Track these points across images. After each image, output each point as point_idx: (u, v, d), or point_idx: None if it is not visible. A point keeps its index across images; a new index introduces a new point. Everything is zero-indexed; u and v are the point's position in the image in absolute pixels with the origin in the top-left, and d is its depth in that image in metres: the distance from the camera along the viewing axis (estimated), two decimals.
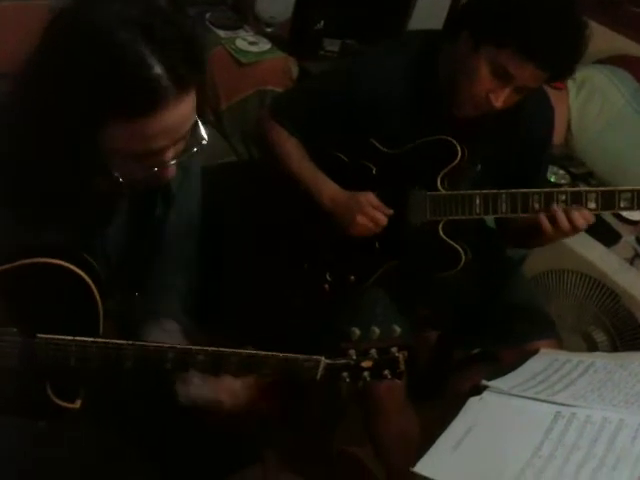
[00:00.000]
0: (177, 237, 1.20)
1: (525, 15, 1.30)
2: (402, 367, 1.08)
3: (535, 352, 1.29)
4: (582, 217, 1.38)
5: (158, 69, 0.82)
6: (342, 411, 1.99)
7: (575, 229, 1.39)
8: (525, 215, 1.42)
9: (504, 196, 1.43)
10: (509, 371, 1.17)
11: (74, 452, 1.11)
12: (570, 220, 1.37)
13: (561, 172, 2.35)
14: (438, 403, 1.97)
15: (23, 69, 0.87)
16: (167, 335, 1.11)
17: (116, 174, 0.92)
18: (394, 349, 1.08)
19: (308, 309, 1.71)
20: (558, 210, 1.38)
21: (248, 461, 1.31)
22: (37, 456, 1.07)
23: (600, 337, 1.91)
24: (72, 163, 0.90)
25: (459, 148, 1.47)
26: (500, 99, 1.36)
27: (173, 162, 0.93)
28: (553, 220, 1.39)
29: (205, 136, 0.96)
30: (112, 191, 1.00)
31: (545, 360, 1.21)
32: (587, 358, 1.18)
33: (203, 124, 0.96)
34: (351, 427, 1.90)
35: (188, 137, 0.94)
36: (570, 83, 2.49)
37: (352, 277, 1.60)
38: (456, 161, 1.47)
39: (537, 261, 1.99)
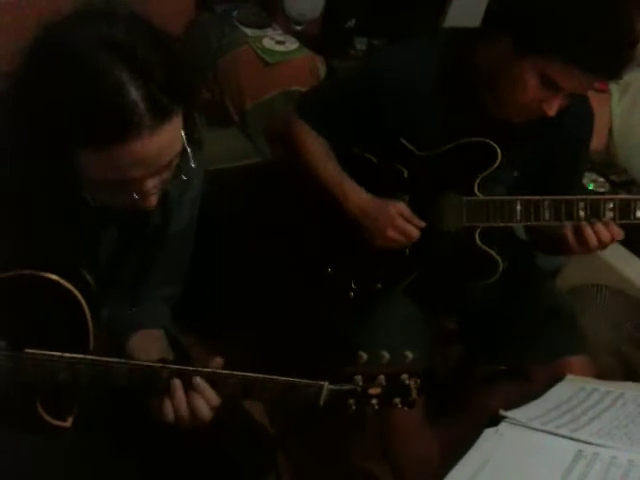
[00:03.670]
0: (173, 247, 1.16)
1: (575, 27, 1.22)
2: (414, 395, 1.01)
3: (563, 375, 1.22)
4: (607, 231, 1.32)
5: (135, 96, 0.77)
6: (360, 424, 1.94)
7: (601, 244, 1.33)
8: (570, 223, 1.35)
9: (547, 203, 1.36)
10: (531, 398, 1.10)
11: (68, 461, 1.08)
12: (596, 233, 1.32)
13: (600, 179, 2.22)
14: (460, 419, 1.90)
15: (7, 85, 0.84)
16: (154, 345, 1.09)
17: (95, 198, 0.88)
18: (404, 376, 1.00)
19: (327, 317, 1.64)
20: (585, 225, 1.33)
21: (263, 471, 1.29)
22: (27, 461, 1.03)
23: (637, 358, 1.80)
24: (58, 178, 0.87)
25: (499, 151, 1.39)
26: (554, 108, 1.30)
27: (154, 192, 0.87)
28: (578, 232, 1.33)
29: (193, 165, 0.90)
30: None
31: (571, 388, 1.13)
32: (617, 388, 1.10)
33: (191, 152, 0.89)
34: (369, 442, 1.84)
35: (175, 164, 0.88)
36: (613, 87, 2.38)
37: (379, 285, 1.52)
38: (495, 165, 1.40)
39: (571, 275, 1.89)
